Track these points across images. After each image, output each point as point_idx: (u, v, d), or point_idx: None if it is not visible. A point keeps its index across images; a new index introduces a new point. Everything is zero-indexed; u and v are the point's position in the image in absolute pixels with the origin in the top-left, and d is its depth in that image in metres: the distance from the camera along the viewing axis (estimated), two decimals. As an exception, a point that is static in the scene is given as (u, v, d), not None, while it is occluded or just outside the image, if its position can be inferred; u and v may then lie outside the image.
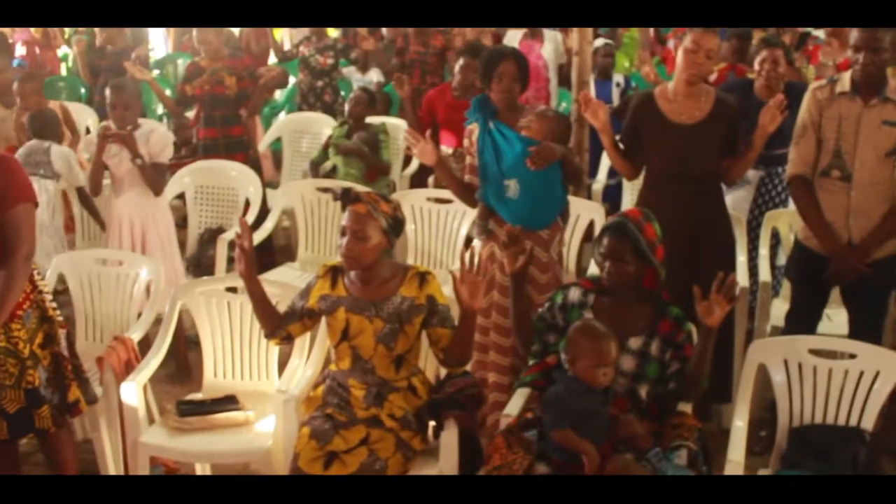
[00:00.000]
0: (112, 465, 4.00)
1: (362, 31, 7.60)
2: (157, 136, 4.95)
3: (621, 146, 4.35)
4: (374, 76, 8.64)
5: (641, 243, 3.35)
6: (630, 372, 3.38)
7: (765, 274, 4.75)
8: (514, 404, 3.54)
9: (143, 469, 3.71)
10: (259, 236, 5.34)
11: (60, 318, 3.71)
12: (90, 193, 5.32)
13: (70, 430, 3.89)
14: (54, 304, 3.70)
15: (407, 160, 6.78)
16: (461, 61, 5.83)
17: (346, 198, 3.43)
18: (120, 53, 8.11)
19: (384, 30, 8.90)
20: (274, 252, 6.20)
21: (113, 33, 8.09)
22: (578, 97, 4.30)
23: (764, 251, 4.90)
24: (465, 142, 4.42)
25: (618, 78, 7.27)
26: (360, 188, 3.74)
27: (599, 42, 7.28)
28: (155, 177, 4.95)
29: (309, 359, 3.85)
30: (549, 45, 7.40)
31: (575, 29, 6.07)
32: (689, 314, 3.42)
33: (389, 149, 6.35)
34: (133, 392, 3.71)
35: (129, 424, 3.74)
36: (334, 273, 3.54)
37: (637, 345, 3.38)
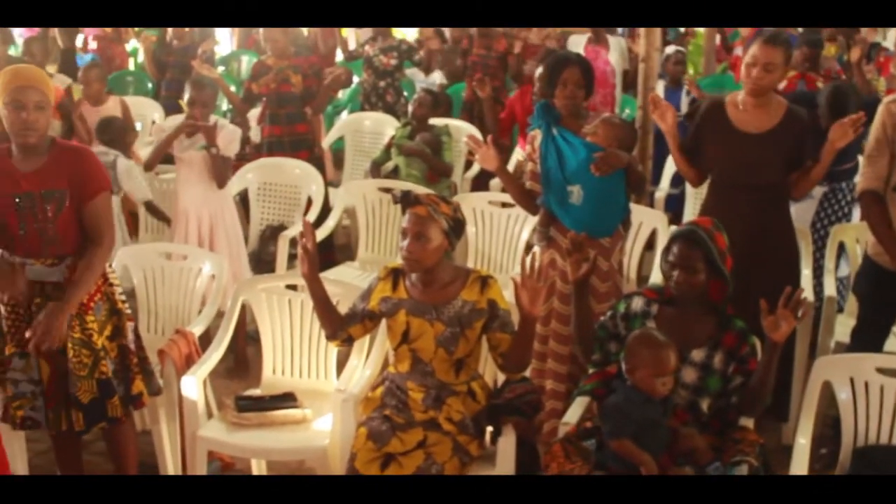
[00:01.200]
0: (170, 458, 4.04)
1: (427, 31, 7.61)
2: (226, 132, 5.01)
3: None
4: (437, 78, 8.65)
5: (713, 252, 3.31)
6: (692, 384, 3.33)
7: (830, 289, 4.66)
8: (573, 413, 3.51)
9: (200, 463, 3.74)
10: (320, 235, 5.36)
11: (128, 311, 3.76)
12: (144, 168, 5.35)
13: (133, 423, 3.94)
14: (123, 297, 3.76)
15: (469, 162, 6.77)
16: (540, 69, 5.79)
17: (406, 200, 3.43)
18: (186, 49, 8.28)
19: (447, 31, 8.90)
20: (334, 250, 6.24)
21: (180, 30, 8.22)
22: (647, 100, 4.25)
23: (830, 265, 4.81)
24: (528, 148, 4.40)
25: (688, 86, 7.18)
26: (420, 190, 3.74)
27: (671, 49, 7.22)
28: (223, 169, 5.00)
29: (368, 359, 3.85)
30: (615, 51, 7.34)
31: (642, 34, 6.02)
32: (752, 327, 3.37)
33: (451, 151, 6.35)
34: (194, 386, 3.74)
35: (189, 418, 3.77)
36: (396, 275, 3.54)
37: (700, 357, 3.34)
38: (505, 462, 3.41)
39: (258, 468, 4.18)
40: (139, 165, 5.62)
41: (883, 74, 7.89)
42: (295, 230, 5.44)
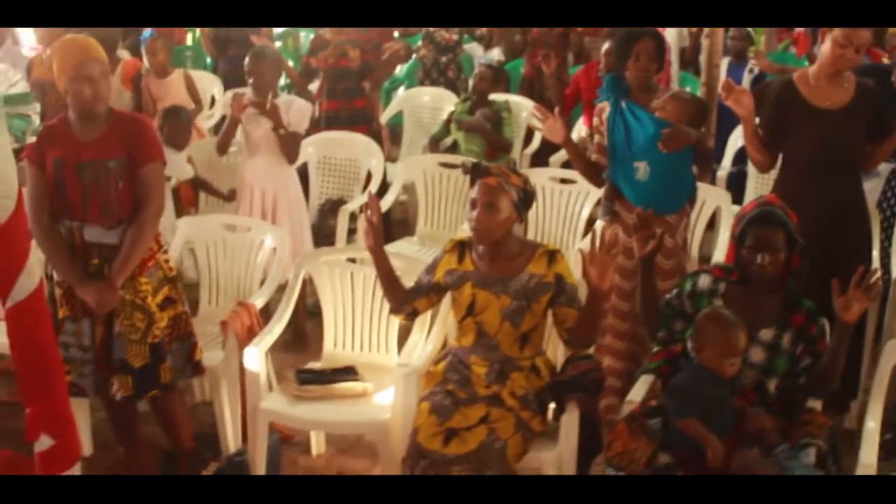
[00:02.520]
0: (230, 430, 4.07)
1: (490, 3, 7.52)
2: (296, 107, 5.00)
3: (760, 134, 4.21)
4: (496, 54, 8.57)
5: (792, 231, 3.26)
6: (759, 364, 3.28)
7: (898, 269, 4.57)
8: (638, 391, 3.47)
9: (261, 434, 3.76)
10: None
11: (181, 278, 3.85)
12: (218, 152, 5.31)
13: (181, 392, 3.97)
14: (172, 265, 3.80)
15: (528, 138, 6.71)
16: (608, 44, 5.70)
17: (477, 170, 3.40)
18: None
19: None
20: (391, 225, 6.22)
21: None
22: (711, 77, 4.15)
23: (898, 246, 4.71)
24: (595, 120, 4.35)
25: (751, 63, 7.04)
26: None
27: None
28: (293, 146, 5.01)
29: (430, 334, 3.83)
30: (673, 28, 7.20)
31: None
32: (821, 308, 3.30)
33: (511, 126, 6.28)
34: (256, 357, 3.75)
35: (251, 390, 3.78)
36: (461, 247, 3.52)
37: (768, 337, 3.28)
38: (568, 439, 3.38)
39: (317, 441, 4.19)
40: (198, 143, 5.66)
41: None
42: (355, 204, 5.44)
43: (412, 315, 3.65)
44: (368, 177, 5.75)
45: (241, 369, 3.88)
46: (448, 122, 6.43)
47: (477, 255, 3.48)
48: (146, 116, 3.78)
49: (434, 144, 6.41)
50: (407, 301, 3.59)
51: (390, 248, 5.16)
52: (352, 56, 6.13)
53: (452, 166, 5.54)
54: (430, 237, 5.55)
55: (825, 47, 3.98)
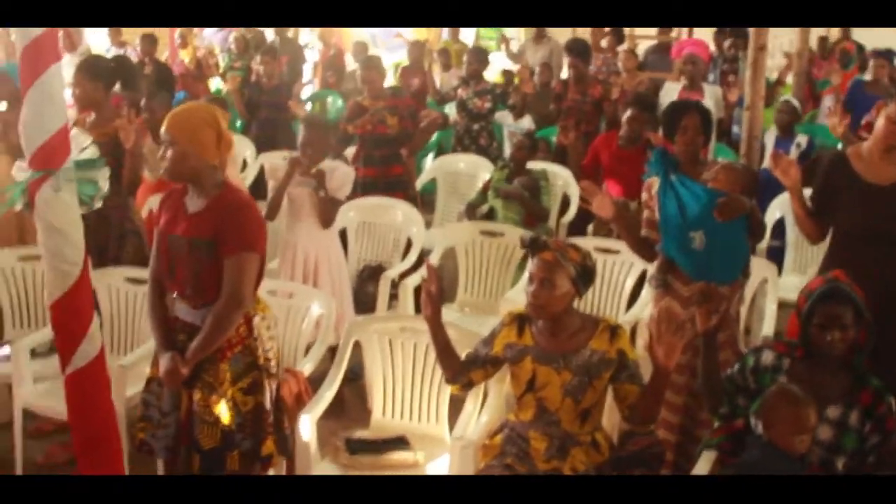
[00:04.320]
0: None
1: (524, 74, 7.58)
2: (339, 174, 5.00)
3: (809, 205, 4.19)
4: (527, 122, 8.59)
5: (860, 306, 3.22)
6: (826, 442, 3.22)
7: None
8: (702, 466, 3.39)
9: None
10: (419, 277, 5.34)
11: (274, 370, 3.61)
12: (267, 218, 5.30)
13: None
14: (270, 355, 3.59)
15: (564, 207, 6.71)
16: (629, 112, 5.73)
17: (535, 245, 3.38)
18: (278, 89, 8.29)
19: (536, 76, 8.89)
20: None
21: (269, 68, 8.25)
22: (751, 149, 4.14)
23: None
24: (644, 195, 4.32)
25: (800, 139, 6.97)
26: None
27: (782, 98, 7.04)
28: (332, 211, 4.99)
29: (484, 406, 3.78)
30: (710, 99, 7.25)
31: (747, 82, 5.93)
32: (886, 384, 3.25)
33: (549, 195, 6.28)
34: (308, 426, 3.70)
35: (301, 459, 3.72)
36: (521, 321, 3.48)
37: (835, 414, 3.23)
38: (629, 516, 3.31)
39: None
40: None
41: None
42: (395, 271, 5.41)
43: (467, 386, 3.60)
44: (409, 244, 5.72)
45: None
46: (485, 189, 6.43)
47: (537, 329, 3.44)
48: (252, 203, 3.53)
49: (471, 211, 6.39)
50: (463, 372, 3.55)
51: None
52: (390, 123, 6.17)
53: (493, 234, 5.52)
54: (470, 304, 5.51)
55: (879, 123, 3.98)
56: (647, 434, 3.49)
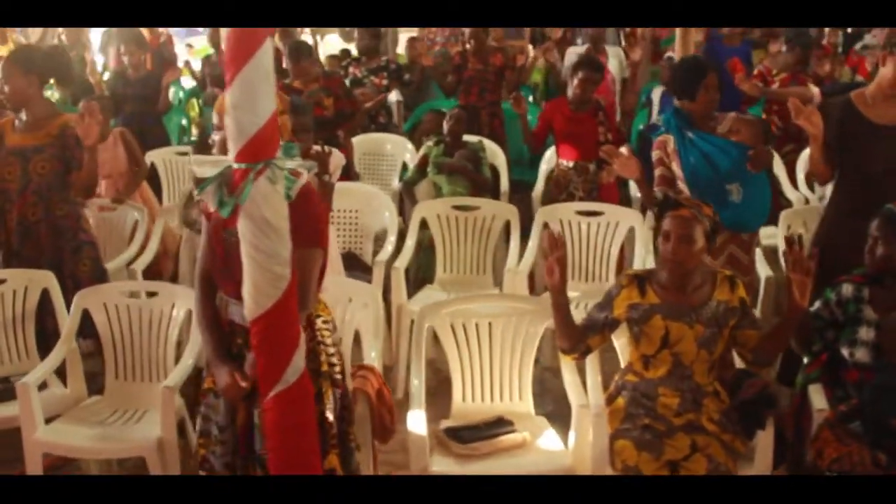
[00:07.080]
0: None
1: (421, 47, 7.54)
2: (333, 158, 4.80)
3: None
4: (394, 96, 8.44)
5: None
6: None
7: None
8: (820, 399, 3.58)
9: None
10: (405, 258, 5.27)
11: (339, 377, 3.28)
12: None
13: None
14: (334, 360, 3.26)
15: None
16: (580, 74, 5.80)
17: (667, 203, 3.45)
18: (145, 80, 7.60)
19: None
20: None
21: (135, 60, 7.58)
22: (790, 103, 4.29)
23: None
24: (656, 153, 4.41)
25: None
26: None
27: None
28: (329, 195, 4.80)
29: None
30: (614, 60, 7.49)
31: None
32: None
33: (486, 165, 6.32)
34: (421, 421, 3.61)
35: (416, 455, 3.60)
36: (640, 281, 3.55)
37: None
38: (765, 456, 3.47)
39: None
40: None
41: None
42: (384, 255, 5.28)
43: (585, 353, 3.64)
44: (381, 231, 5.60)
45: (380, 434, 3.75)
46: (421, 165, 6.35)
47: (660, 286, 3.52)
48: (314, 191, 3.17)
49: (408, 189, 6.33)
50: (581, 339, 3.59)
51: (416, 299, 5.09)
52: (326, 104, 6.00)
53: (467, 209, 5.50)
54: (451, 282, 5.48)
55: (888, 69, 4.24)
56: (754, 376, 3.63)
